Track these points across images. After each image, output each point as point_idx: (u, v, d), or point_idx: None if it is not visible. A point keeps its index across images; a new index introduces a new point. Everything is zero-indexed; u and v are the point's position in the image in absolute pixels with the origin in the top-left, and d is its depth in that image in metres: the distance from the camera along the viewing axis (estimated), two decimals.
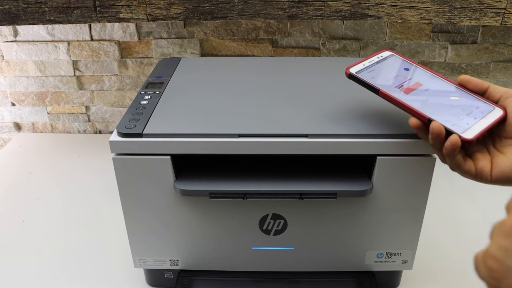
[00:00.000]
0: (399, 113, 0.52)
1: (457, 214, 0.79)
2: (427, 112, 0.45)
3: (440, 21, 0.78)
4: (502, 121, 0.44)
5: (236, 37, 0.98)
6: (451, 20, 0.78)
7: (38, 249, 0.73)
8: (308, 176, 0.55)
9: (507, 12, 0.76)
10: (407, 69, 0.51)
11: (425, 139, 0.46)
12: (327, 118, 0.54)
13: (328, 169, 0.56)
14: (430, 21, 0.78)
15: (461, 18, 0.77)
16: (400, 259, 0.60)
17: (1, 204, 0.84)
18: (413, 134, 0.50)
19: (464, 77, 0.48)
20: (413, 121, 0.45)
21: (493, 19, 0.76)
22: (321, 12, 0.79)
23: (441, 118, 0.44)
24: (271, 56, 1.00)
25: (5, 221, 0.80)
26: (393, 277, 0.65)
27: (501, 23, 0.77)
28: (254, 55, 1.00)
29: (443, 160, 0.46)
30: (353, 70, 0.50)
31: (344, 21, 0.96)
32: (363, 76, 0.49)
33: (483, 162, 0.44)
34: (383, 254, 0.60)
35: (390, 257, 0.60)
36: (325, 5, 0.78)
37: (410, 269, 0.62)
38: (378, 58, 0.52)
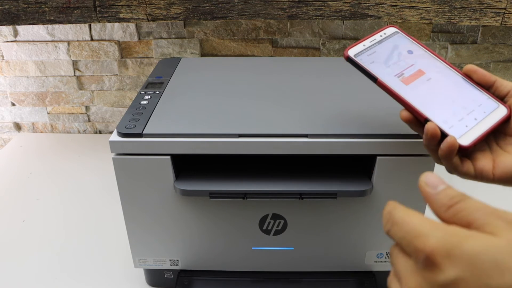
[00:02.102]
0: (398, 113, 0.52)
1: None
2: (425, 110, 0.42)
3: (440, 21, 0.78)
4: (506, 120, 0.42)
5: (236, 37, 0.98)
6: (451, 20, 0.78)
7: (38, 249, 0.73)
8: (308, 176, 0.55)
9: (507, 12, 0.76)
10: (410, 52, 0.47)
11: (417, 132, 0.45)
12: (327, 118, 0.54)
13: (328, 169, 0.56)
14: (430, 21, 0.78)
15: (461, 18, 0.77)
16: None
17: (1, 204, 0.84)
18: (413, 134, 0.50)
19: (470, 67, 0.44)
20: (403, 114, 0.43)
21: (493, 19, 0.76)
22: (321, 12, 0.79)
23: (438, 119, 0.42)
24: (271, 56, 1.00)
25: (5, 221, 0.80)
26: None
27: (501, 23, 0.77)
28: (254, 55, 1.00)
29: (438, 161, 0.44)
30: (351, 53, 0.46)
31: (344, 21, 0.96)
32: (362, 61, 0.46)
33: (483, 161, 0.41)
34: (383, 254, 0.60)
35: None
36: (325, 5, 0.78)
37: None
38: (381, 36, 0.48)
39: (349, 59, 0.46)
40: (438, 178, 0.29)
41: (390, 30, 0.49)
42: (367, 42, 0.47)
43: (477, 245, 0.23)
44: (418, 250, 0.25)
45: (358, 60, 0.46)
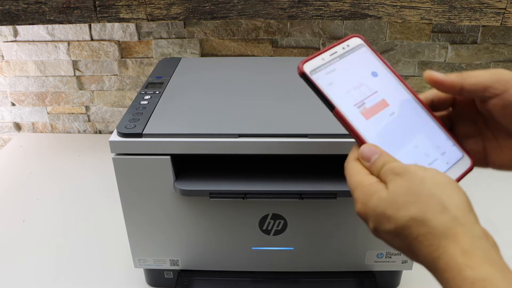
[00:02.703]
0: None
1: None
2: None
3: (440, 21, 0.78)
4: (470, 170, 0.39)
5: (236, 37, 0.98)
6: (451, 20, 0.78)
7: (38, 249, 0.73)
8: (308, 176, 0.55)
9: (507, 12, 0.76)
10: (375, 75, 0.41)
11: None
12: (327, 118, 0.54)
13: (328, 169, 0.56)
14: (430, 21, 0.78)
15: (461, 18, 0.77)
16: (400, 259, 0.60)
17: (1, 204, 0.84)
18: None
19: (431, 76, 0.38)
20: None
21: (493, 19, 0.76)
22: (321, 12, 0.79)
23: None
24: (271, 56, 1.00)
25: (5, 221, 0.80)
26: (393, 277, 0.65)
27: (501, 23, 0.77)
28: (254, 55, 1.00)
29: None
30: (307, 68, 0.39)
31: (344, 21, 0.96)
32: (319, 81, 0.39)
33: (474, 154, 0.39)
34: (383, 254, 0.60)
35: (390, 257, 0.60)
36: (325, 5, 0.78)
37: (410, 269, 0.62)
38: (343, 48, 0.41)
39: (304, 76, 0.39)
40: (371, 149, 0.36)
41: (355, 41, 0.42)
42: (326, 56, 0.40)
43: (373, 202, 0.33)
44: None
45: (314, 79, 0.39)
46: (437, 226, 0.30)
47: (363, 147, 0.37)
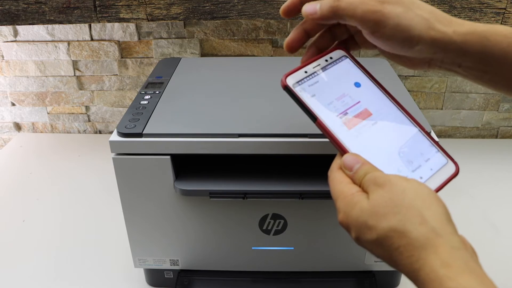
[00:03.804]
0: None
1: (455, 213, 0.79)
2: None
3: None
4: (454, 176, 0.39)
5: (236, 37, 0.98)
6: None
7: (38, 249, 0.73)
8: (308, 176, 0.55)
9: (507, 12, 0.76)
10: (357, 85, 0.41)
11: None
12: None
13: (328, 169, 0.56)
14: None
15: (461, 18, 0.77)
16: None
17: (1, 204, 0.84)
18: None
19: (305, 12, 0.40)
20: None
21: (493, 19, 0.76)
22: None
23: None
24: (271, 56, 1.00)
25: (5, 221, 0.80)
26: (393, 277, 0.65)
27: (501, 23, 0.77)
28: (254, 55, 1.00)
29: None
30: (291, 81, 0.39)
31: None
32: (302, 93, 0.39)
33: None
34: None
35: None
36: None
37: None
38: (326, 60, 0.42)
39: (287, 89, 0.39)
40: (353, 159, 0.37)
41: (338, 53, 0.43)
42: (309, 68, 0.41)
43: (355, 212, 0.34)
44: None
45: (297, 92, 0.39)
46: (417, 237, 0.30)
47: (345, 156, 0.38)
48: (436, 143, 0.40)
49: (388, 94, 0.42)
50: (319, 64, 0.41)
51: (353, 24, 0.38)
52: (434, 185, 0.38)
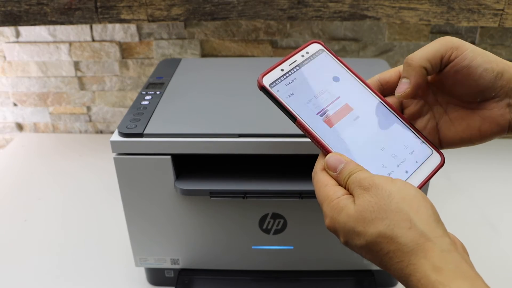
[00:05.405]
0: None
1: (455, 212, 0.80)
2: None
3: (438, 22, 0.78)
4: (440, 167, 0.38)
5: (236, 38, 0.99)
6: (450, 21, 0.78)
7: (40, 248, 0.74)
8: (308, 176, 0.55)
9: (505, 13, 0.76)
10: (336, 79, 0.40)
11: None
12: None
13: None
14: (429, 22, 0.79)
15: (459, 19, 0.78)
16: None
17: (3, 203, 0.85)
18: None
19: (399, 96, 0.38)
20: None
21: (491, 20, 0.77)
22: (321, 13, 0.79)
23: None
24: (271, 56, 1.01)
25: (7, 220, 0.80)
26: (392, 276, 0.65)
27: (499, 24, 0.77)
28: (254, 56, 1.01)
29: None
30: (267, 81, 0.38)
31: (343, 22, 0.96)
32: (279, 93, 0.38)
33: (427, 134, 0.40)
34: None
35: None
36: (325, 6, 0.78)
37: None
38: (302, 56, 0.40)
39: (264, 90, 0.38)
40: (336, 159, 0.36)
41: (314, 47, 0.41)
42: (285, 66, 0.39)
43: (342, 218, 0.33)
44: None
45: (274, 92, 0.38)
46: (406, 242, 0.30)
47: (328, 157, 0.36)
48: (420, 133, 0.39)
49: (368, 87, 0.41)
50: (296, 61, 0.40)
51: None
52: (420, 178, 0.37)
